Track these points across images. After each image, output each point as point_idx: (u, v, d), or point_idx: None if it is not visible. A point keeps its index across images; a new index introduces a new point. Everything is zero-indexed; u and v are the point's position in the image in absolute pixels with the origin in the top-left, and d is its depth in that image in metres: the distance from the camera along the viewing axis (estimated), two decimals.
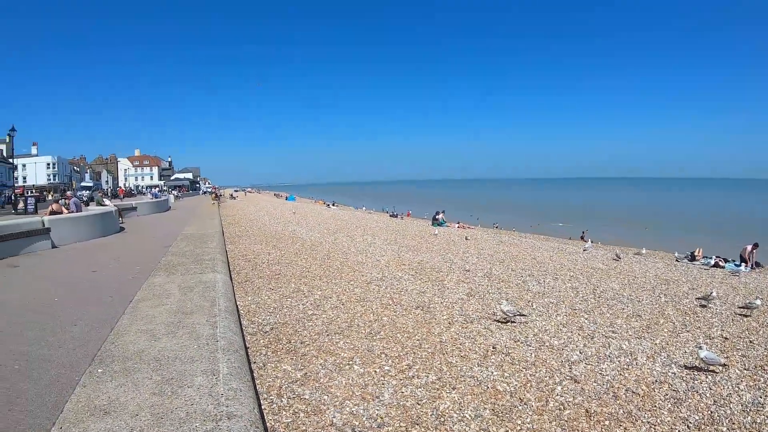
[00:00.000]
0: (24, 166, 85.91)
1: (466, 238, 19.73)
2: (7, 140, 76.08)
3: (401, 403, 4.39)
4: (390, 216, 40.29)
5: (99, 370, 4.12)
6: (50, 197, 40.44)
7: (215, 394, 3.61)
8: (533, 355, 5.72)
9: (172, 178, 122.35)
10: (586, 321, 7.33)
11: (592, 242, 21.09)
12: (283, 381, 4.78)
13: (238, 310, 6.91)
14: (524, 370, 5.28)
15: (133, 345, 4.73)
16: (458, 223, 32.91)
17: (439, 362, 5.38)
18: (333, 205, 57.82)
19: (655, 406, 4.56)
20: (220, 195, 64.21)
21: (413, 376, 4.97)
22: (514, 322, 6.96)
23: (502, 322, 6.97)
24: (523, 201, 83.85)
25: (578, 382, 5.03)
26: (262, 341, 5.95)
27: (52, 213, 15.03)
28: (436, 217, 31.07)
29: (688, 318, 7.71)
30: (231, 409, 3.40)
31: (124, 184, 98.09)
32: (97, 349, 4.66)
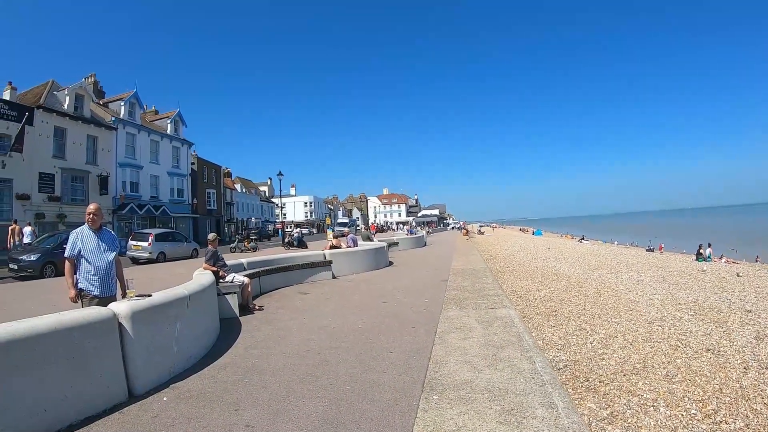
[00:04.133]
0: (284, 204, 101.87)
1: (738, 275, 18.20)
2: (269, 183, 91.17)
3: None
4: (646, 250, 40.37)
5: (435, 397, 4.68)
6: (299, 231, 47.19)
7: (562, 426, 3.87)
8: None
9: (419, 214, 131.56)
10: None
11: None
12: (590, 418, 4.91)
13: None
14: None
15: (458, 375, 5.30)
16: (723, 257, 30.59)
17: (744, 409, 5.24)
18: (584, 239, 58.07)
19: None
20: (469, 230, 67.54)
21: (721, 421, 4.92)
22: None
23: None
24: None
25: None
26: (559, 378, 6.11)
27: (332, 247, 17.43)
28: (700, 251, 29.70)
29: None
30: None
31: (375, 221, 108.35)
32: (423, 377, 5.28)
